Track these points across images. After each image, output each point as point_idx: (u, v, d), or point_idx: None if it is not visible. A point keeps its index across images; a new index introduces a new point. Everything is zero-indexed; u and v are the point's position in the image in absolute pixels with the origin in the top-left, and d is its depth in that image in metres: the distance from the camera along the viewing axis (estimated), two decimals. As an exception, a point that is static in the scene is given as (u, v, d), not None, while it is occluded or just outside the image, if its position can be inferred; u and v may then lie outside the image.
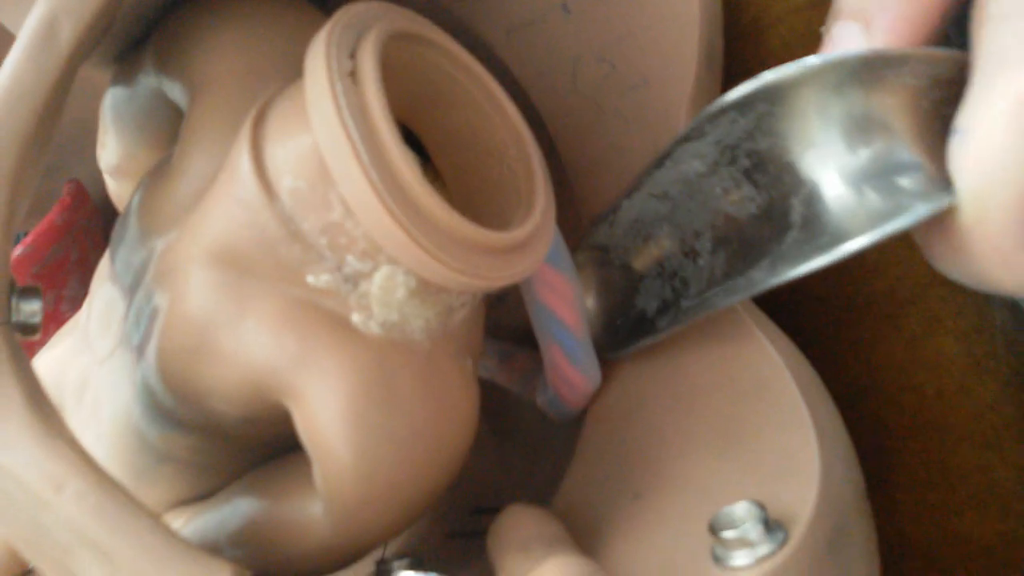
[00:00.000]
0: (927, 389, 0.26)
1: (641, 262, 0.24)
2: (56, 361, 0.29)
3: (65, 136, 0.29)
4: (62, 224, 0.42)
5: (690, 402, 0.24)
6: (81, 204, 0.42)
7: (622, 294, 0.25)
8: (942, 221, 0.17)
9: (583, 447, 0.26)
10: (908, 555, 0.27)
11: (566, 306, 0.25)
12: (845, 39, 0.19)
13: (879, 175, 0.18)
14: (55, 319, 0.41)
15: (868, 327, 0.27)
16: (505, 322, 0.31)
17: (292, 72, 0.20)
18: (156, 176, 0.23)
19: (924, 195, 0.17)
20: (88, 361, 0.27)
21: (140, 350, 0.23)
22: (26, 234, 0.42)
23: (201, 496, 0.25)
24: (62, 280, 0.42)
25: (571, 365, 0.25)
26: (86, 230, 0.43)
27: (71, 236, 0.42)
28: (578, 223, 0.27)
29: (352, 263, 0.20)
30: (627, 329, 0.25)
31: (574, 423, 0.27)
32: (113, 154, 0.28)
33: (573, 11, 0.26)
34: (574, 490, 0.26)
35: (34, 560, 0.21)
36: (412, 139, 0.24)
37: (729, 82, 0.29)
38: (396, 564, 0.23)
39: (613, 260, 0.25)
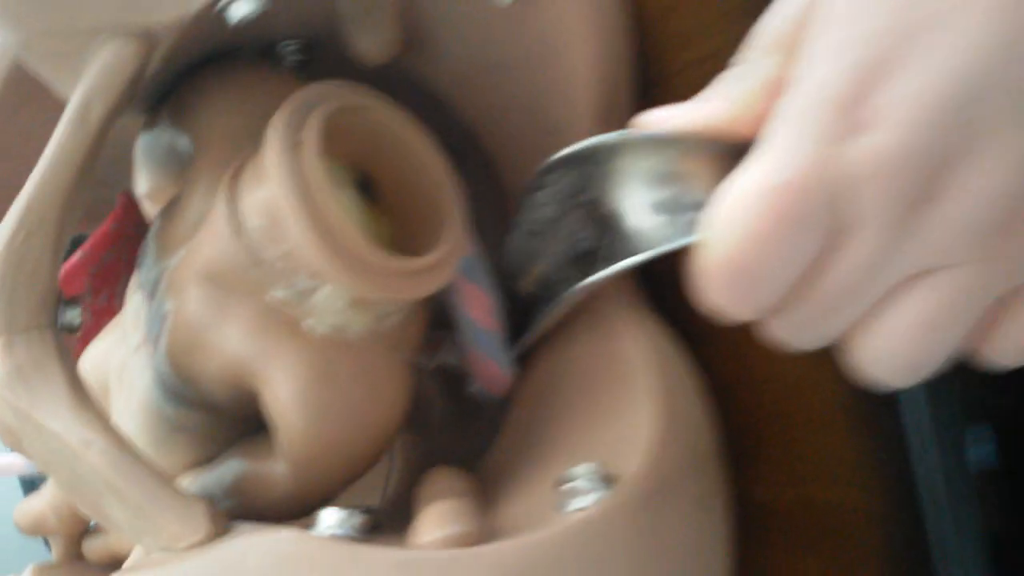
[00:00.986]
0: (786, 380, 0.32)
1: (529, 284, 0.31)
2: (105, 351, 0.37)
3: (118, 157, 0.36)
4: (115, 231, 0.49)
5: (574, 387, 0.30)
6: (131, 213, 0.49)
7: (519, 312, 0.32)
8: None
9: (506, 422, 0.33)
10: (773, 516, 0.33)
11: (486, 315, 0.31)
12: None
13: (669, 215, 0.24)
14: (109, 312, 0.48)
15: (745, 329, 0.32)
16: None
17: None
18: (166, 212, 0.30)
19: (692, 233, 0.23)
20: (125, 351, 0.34)
21: (155, 343, 0.30)
22: (85, 239, 0.49)
23: (205, 462, 0.32)
24: (115, 280, 0.49)
25: (494, 364, 0.32)
26: (135, 236, 0.50)
27: (122, 241, 0.49)
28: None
29: (302, 282, 0.26)
30: (514, 335, 0.32)
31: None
32: (145, 185, 0.36)
33: (501, 71, 0.32)
34: (495, 454, 0.32)
35: (76, 500, 0.28)
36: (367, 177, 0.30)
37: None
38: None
39: (513, 285, 0.31)
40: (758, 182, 0.21)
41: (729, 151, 0.23)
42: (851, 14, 0.20)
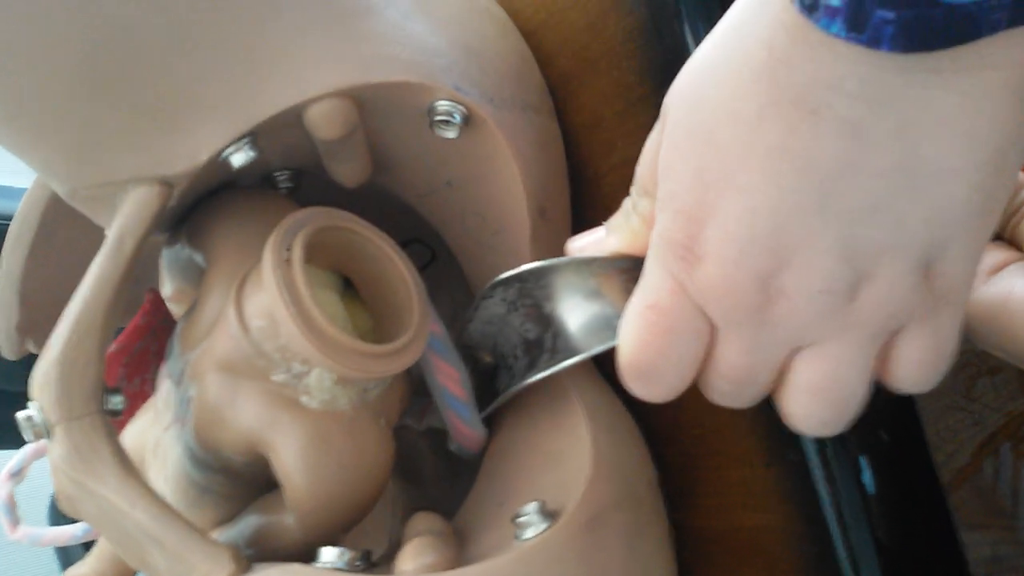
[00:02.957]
0: (710, 425, 0.38)
1: (490, 359, 0.38)
2: (141, 429, 0.43)
3: (146, 259, 0.43)
4: (144, 324, 0.56)
5: (532, 442, 0.37)
6: (158, 308, 0.56)
7: (486, 378, 0.38)
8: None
9: (482, 473, 0.39)
10: (711, 540, 0.39)
11: (456, 386, 0.38)
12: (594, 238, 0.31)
13: (597, 321, 0.31)
14: (143, 396, 0.55)
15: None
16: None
17: (265, 249, 0.34)
18: (187, 315, 0.37)
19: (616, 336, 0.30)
20: (158, 429, 0.41)
21: (183, 422, 0.36)
22: (119, 332, 0.55)
23: (229, 519, 0.39)
24: (146, 367, 0.56)
25: (465, 425, 0.38)
26: (163, 327, 0.56)
27: (152, 333, 0.56)
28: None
29: (296, 367, 0.33)
30: (485, 403, 0.38)
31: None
32: (169, 289, 0.43)
33: (454, 186, 0.39)
34: (473, 499, 0.38)
35: (123, 554, 0.34)
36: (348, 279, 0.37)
37: (587, 207, 0.42)
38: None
39: (476, 358, 0.38)
40: (636, 303, 0.27)
41: (633, 266, 0.30)
42: (666, 172, 0.26)
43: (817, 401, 0.26)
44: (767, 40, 0.22)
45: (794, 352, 0.26)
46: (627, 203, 0.30)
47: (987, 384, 0.54)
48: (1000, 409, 0.54)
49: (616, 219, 0.31)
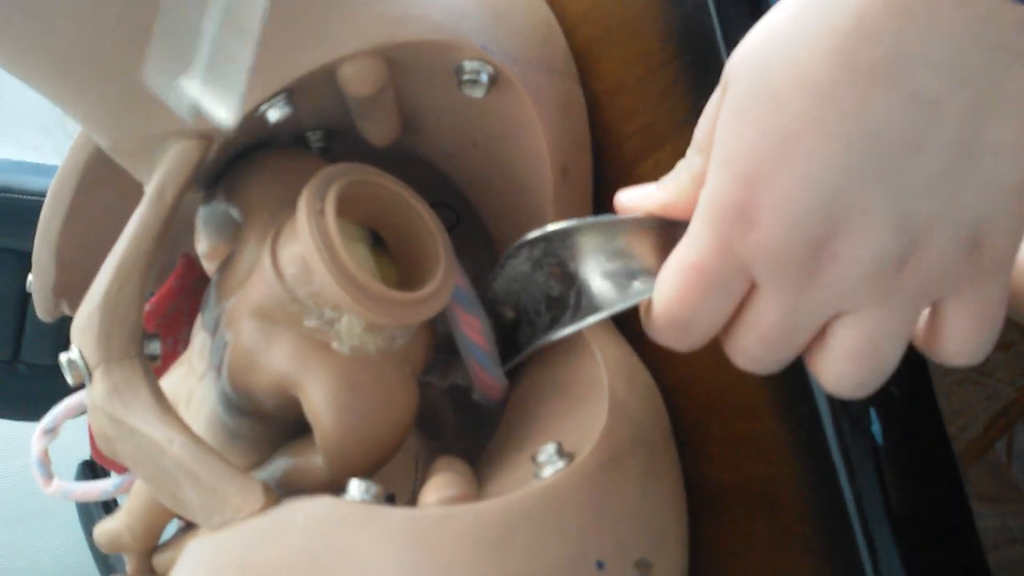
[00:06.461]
0: (723, 380, 0.40)
1: (513, 315, 0.39)
2: (174, 383, 0.45)
3: (180, 223, 0.45)
4: (177, 287, 0.57)
5: (552, 390, 0.38)
6: (191, 271, 0.58)
7: (508, 333, 0.40)
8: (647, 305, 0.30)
9: (503, 421, 0.41)
10: (726, 490, 0.40)
11: (479, 336, 0.39)
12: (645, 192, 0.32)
13: (621, 280, 0.32)
14: (175, 356, 0.57)
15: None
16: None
17: (298, 202, 0.36)
18: (224, 266, 0.39)
19: (641, 293, 0.31)
20: (193, 381, 0.43)
21: (218, 369, 0.38)
22: (152, 294, 0.57)
23: (259, 465, 0.40)
24: (178, 328, 0.57)
25: (488, 375, 0.40)
26: (195, 290, 0.58)
27: (184, 296, 0.58)
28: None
29: (328, 313, 0.35)
30: (507, 356, 0.40)
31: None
32: (204, 246, 0.44)
33: (479, 147, 0.41)
34: (494, 446, 0.40)
35: (156, 491, 0.35)
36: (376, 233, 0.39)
37: (608, 171, 0.43)
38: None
39: (499, 313, 0.40)
40: (678, 261, 0.28)
41: (662, 226, 0.31)
42: (727, 136, 0.26)
43: (854, 366, 0.27)
44: (857, 11, 0.23)
45: (833, 317, 0.27)
46: (680, 164, 0.31)
47: (999, 358, 0.54)
48: (1012, 383, 0.54)
49: (667, 176, 0.31)
